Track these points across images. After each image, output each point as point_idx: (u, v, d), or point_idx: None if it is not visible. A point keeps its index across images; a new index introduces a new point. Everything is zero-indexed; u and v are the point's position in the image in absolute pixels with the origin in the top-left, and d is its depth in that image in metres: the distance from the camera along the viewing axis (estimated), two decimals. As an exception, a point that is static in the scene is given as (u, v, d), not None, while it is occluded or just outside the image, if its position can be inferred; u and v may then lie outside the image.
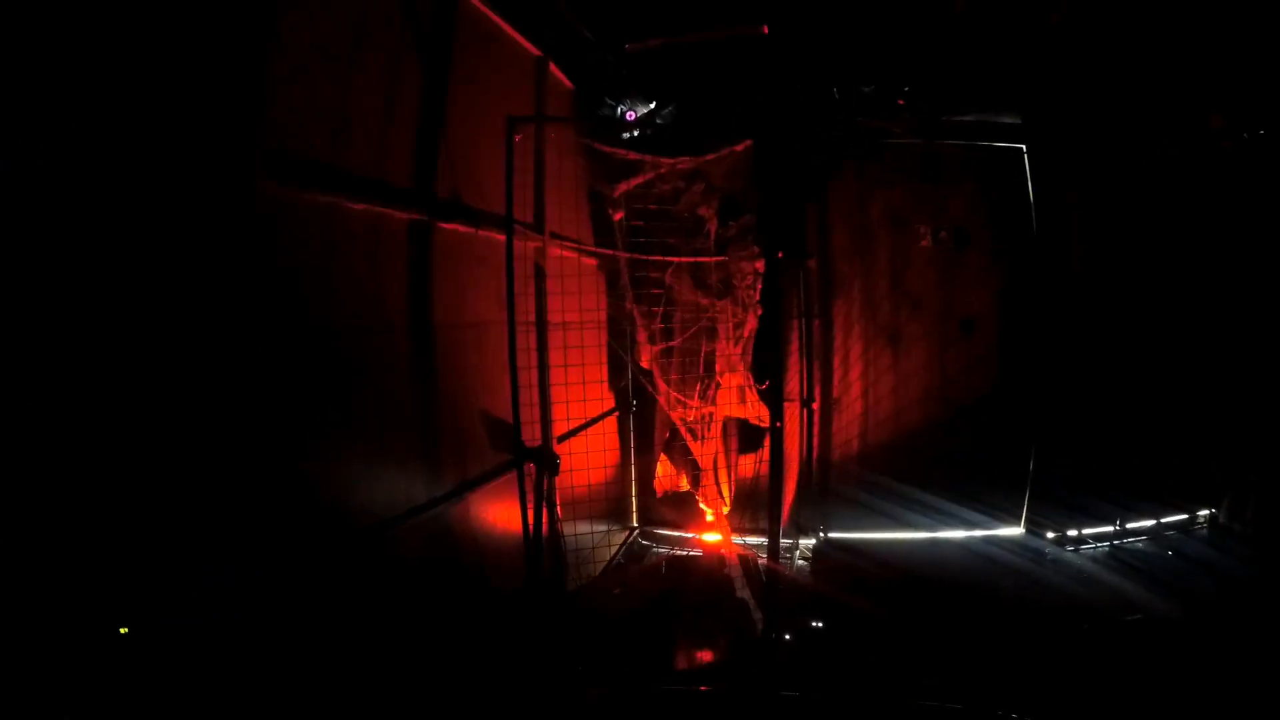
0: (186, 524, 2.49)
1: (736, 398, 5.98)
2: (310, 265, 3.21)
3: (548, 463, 4.88)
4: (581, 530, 5.37)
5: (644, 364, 5.86)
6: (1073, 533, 6.62)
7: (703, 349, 5.83)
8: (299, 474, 3.08)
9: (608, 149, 5.20)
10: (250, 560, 2.67)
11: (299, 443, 3.09)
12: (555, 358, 5.18)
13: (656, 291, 5.64)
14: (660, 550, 7.11)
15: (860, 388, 7.15)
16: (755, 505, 6.43)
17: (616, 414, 6.94)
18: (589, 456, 5.52)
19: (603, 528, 6.45)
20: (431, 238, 4.14)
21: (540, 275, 5.15)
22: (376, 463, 3.69)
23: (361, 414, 3.58)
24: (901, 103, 6.61)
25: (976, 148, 6.90)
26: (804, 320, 6.73)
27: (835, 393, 7.14)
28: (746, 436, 6.69)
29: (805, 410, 6.62)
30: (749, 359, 5.89)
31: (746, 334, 5.82)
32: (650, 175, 5.38)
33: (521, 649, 4.40)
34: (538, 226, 5.21)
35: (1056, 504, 6.71)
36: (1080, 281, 6.91)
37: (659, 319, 5.70)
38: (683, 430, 5.85)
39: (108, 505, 2.30)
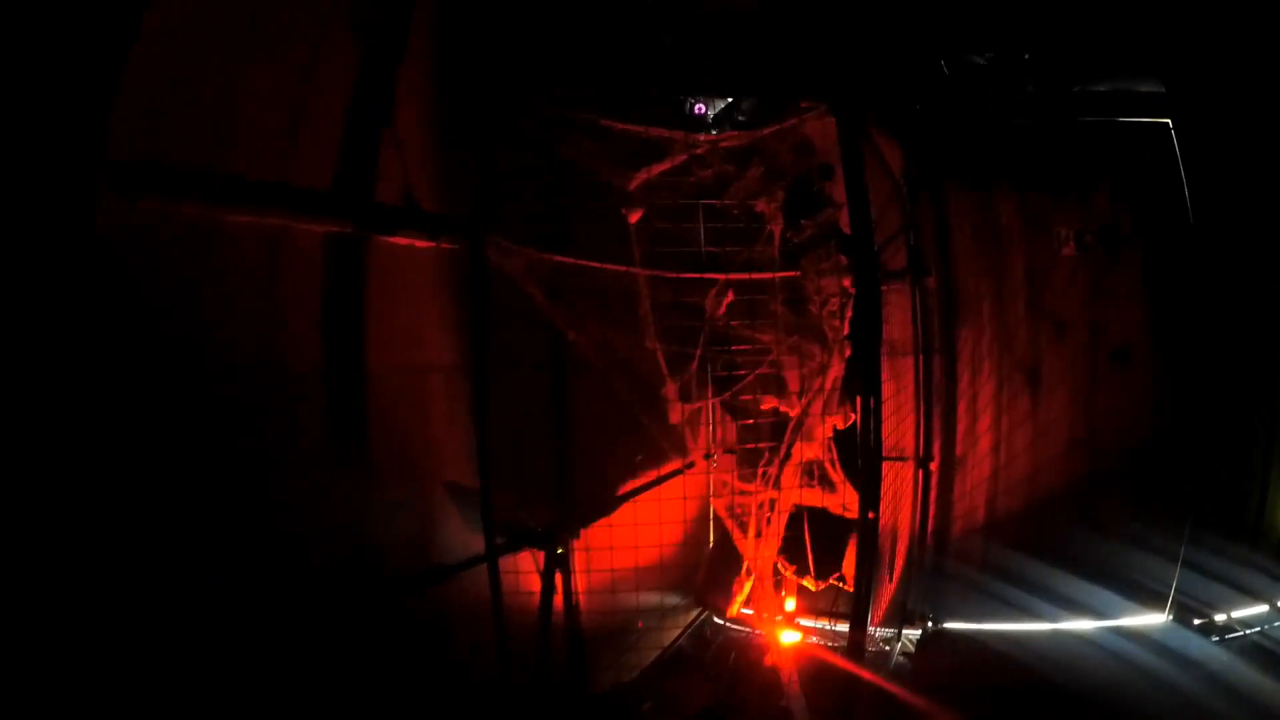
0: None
1: (811, 477, 4.53)
2: (170, 296, 2.58)
3: (549, 549, 3.80)
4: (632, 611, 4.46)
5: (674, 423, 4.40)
6: (1221, 618, 5.53)
7: (762, 406, 4.44)
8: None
9: (619, 125, 3.82)
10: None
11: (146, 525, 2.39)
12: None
13: (692, 324, 4.22)
14: (735, 630, 5.89)
15: (990, 441, 5.72)
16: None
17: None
18: (641, 526, 4.31)
19: (668, 602, 5.48)
20: (364, 254, 3.21)
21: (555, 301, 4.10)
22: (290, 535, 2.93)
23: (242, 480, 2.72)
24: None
25: (1117, 125, 5.55)
26: (921, 357, 5.53)
27: (959, 449, 5.72)
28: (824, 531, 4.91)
29: (921, 471, 5.53)
30: (835, 422, 4.43)
31: (829, 385, 4.36)
32: (682, 158, 3.98)
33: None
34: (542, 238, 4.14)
35: (1208, 574, 5.55)
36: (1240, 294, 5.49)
37: (695, 362, 4.23)
38: (729, 524, 4.42)
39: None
